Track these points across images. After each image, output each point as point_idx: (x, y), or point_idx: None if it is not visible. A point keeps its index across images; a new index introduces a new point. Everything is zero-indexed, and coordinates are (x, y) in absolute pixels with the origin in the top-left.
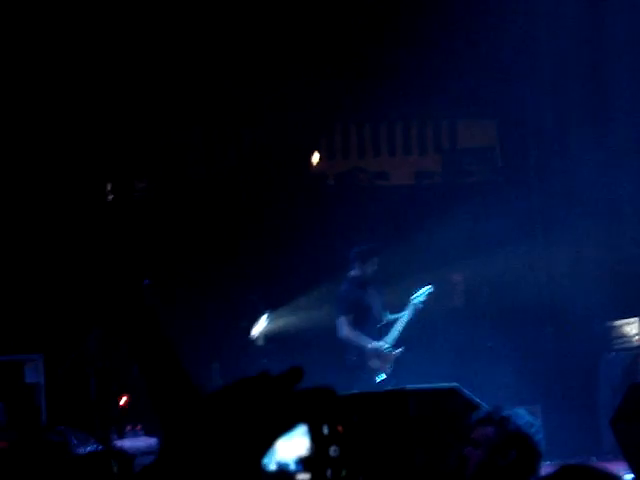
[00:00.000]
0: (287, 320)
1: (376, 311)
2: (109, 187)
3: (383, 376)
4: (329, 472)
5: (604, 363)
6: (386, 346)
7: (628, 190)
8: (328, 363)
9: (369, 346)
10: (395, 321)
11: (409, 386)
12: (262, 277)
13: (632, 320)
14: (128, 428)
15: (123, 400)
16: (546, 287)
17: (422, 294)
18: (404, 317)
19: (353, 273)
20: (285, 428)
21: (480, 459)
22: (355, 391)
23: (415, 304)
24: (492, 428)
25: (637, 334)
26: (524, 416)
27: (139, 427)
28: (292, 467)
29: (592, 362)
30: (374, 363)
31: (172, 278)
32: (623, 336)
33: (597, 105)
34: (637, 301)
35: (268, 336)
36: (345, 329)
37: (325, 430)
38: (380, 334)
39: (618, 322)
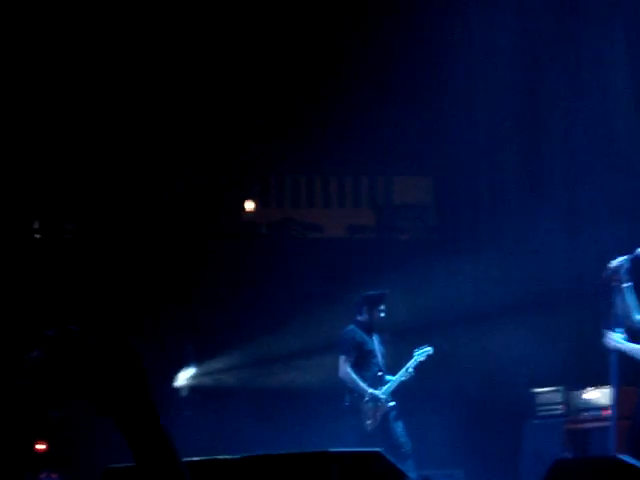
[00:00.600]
0: (214, 374)
1: (378, 358)
2: (37, 225)
3: (372, 424)
4: None
5: (528, 430)
6: (382, 396)
7: (560, 258)
8: (251, 416)
9: (368, 392)
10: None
11: (331, 449)
12: (193, 326)
13: (557, 388)
14: (43, 475)
15: (41, 446)
16: (477, 348)
17: (423, 352)
18: (404, 371)
19: (360, 318)
20: None
21: None
22: (346, 435)
23: (416, 360)
24: None
25: (561, 402)
26: None
27: (55, 475)
28: None
29: (516, 428)
30: (367, 411)
31: (100, 323)
32: (548, 404)
33: (531, 170)
34: (563, 370)
35: (193, 388)
36: (343, 369)
37: None
38: (379, 383)
39: (543, 389)
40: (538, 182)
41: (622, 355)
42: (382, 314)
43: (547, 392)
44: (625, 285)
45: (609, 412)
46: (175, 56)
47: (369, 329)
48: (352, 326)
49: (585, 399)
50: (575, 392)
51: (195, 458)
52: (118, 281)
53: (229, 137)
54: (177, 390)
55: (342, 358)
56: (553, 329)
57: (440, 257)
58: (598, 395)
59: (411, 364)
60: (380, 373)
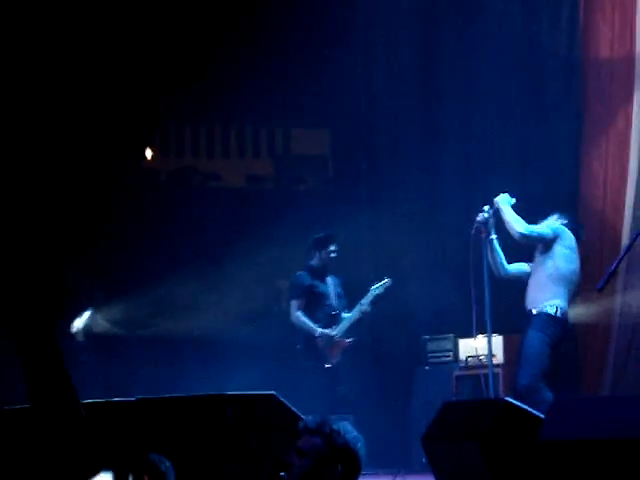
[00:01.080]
0: (111, 320)
1: (331, 300)
2: None
3: (329, 365)
4: None
5: (419, 376)
6: (335, 334)
7: (456, 208)
8: (150, 363)
9: (317, 332)
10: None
11: (227, 392)
12: (97, 273)
13: (447, 335)
14: None
15: None
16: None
17: (381, 286)
18: (358, 307)
19: (311, 262)
20: (89, 474)
21: (304, 470)
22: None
23: (372, 294)
24: (320, 439)
25: (451, 349)
26: (352, 431)
27: None
28: None
29: (407, 375)
30: (322, 351)
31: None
32: (438, 351)
33: (428, 122)
34: (454, 318)
35: (89, 333)
36: (293, 313)
37: (130, 479)
38: (333, 323)
39: (434, 336)
40: (435, 134)
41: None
42: (332, 254)
43: (437, 339)
44: (491, 237)
45: (498, 359)
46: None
47: (321, 272)
48: (302, 272)
49: (474, 346)
50: (464, 339)
51: (90, 400)
52: (21, 229)
53: (129, 85)
54: (73, 335)
55: (292, 303)
56: (445, 278)
57: (338, 207)
58: (486, 344)
59: (365, 299)
60: (334, 313)
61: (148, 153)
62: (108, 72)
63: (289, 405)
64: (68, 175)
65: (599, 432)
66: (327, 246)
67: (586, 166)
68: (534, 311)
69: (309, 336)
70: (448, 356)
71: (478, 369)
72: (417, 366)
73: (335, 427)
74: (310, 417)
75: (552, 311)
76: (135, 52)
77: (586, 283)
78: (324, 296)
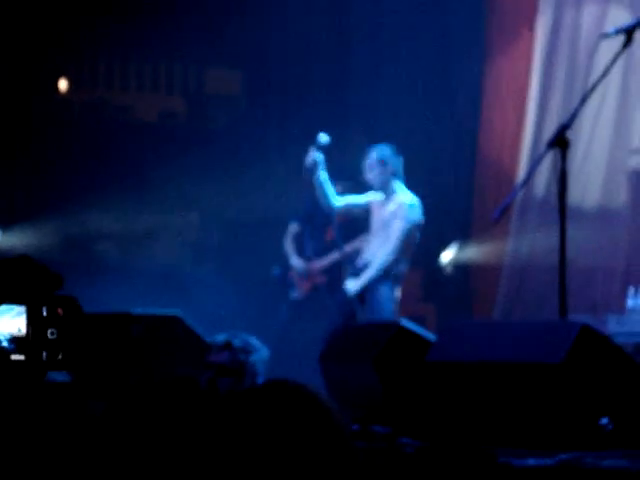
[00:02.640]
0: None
1: (327, 234)
2: None
3: (296, 295)
4: (44, 354)
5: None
6: (299, 266)
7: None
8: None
9: (290, 261)
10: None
11: (134, 310)
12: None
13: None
14: None
15: None
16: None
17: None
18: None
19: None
20: None
21: (210, 382)
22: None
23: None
24: (228, 354)
25: None
26: (258, 347)
27: None
28: (5, 346)
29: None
30: (293, 281)
31: None
32: None
33: (339, 63)
34: None
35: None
36: (286, 236)
37: (44, 312)
38: (325, 254)
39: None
40: (346, 73)
41: None
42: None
43: None
44: (319, 174)
45: None
46: None
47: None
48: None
49: None
50: None
51: None
52: None
53: (45, 14)
54: None
55: (289, 225)
56: None
57: (248, 146)
58: None
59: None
60: (326, 245)
61: (62, 84)
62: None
63: (193, 327)
64: None
65: (485, 355)
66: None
67: (485, 111)
68: None
69: (287, 264)
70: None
71: None
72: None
73: (240, 343)
74: (220, 335)
75: None
76: None
77: (483, 227)
78: (320, 226)
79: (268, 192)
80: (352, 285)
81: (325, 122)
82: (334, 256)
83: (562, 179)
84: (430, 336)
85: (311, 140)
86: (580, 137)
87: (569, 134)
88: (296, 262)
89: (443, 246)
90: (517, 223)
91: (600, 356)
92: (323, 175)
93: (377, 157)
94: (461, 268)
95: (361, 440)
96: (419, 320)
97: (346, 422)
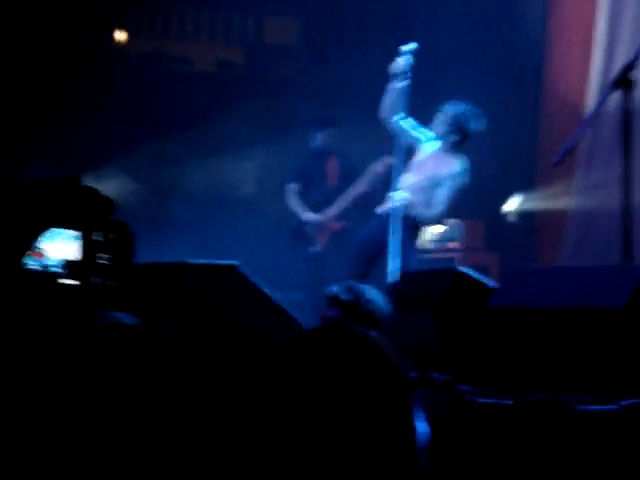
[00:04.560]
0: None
1: (328, 181)
2: None
3: (317, 248)
4: (97, 280)
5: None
6: (320, 217)
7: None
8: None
9: (303, 217)
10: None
11: (189, 260)
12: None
13: None
14: None
15: None
16: None
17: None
18: (351, 189)
19: (312, 144)
20: (45, 227)
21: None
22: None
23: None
24: (336, 309)
25: None
26: (374, 299)
27: None
28: (58, 270)
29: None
30: (310, 235)
31: None
32: None
33: (396, 13)
34: None
35: None
36: (288, 197)
37: (97, 237)
38: (328, 204)
39: None
40: (403, 22)
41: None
42: (332, 138)
43: None
44: (400, 84)
45: (456, 244)
46: None
47: (319, 154)
48: (304, 155)
49: (432, 231)
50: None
51: None
52: None
53: None
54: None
55: (288, 186)
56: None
57: (306, 98)
58: (445, 227)
59: (361, 180)
60: (327, 194)
61: (119, 35)
62: None
63: (251, 277)
64: (37, 53)
65: (547, 301)
66: (326, 127)
67: (550, 53)
68: None
69: (299, 220)
70: None
71: (437, 253)
72: None
73: (349, 296)
74: (335, 287)
75: None
76: None
77: (548, 174)
78: (320, 177)
79: None
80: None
81: (385, 74)
82: (348, 198)
83: (626, 120)
84: (491, 283)
85: (370, 90)
86: None
87: (635, 74)
88: (309, 216)
89: (507, 195)
90: (582, 169)
91: None
92: (404, 85)
93: (453, 115)
94: (525, 217)
95: (420, 387)
96: (483, 270)
97: (405, 369)
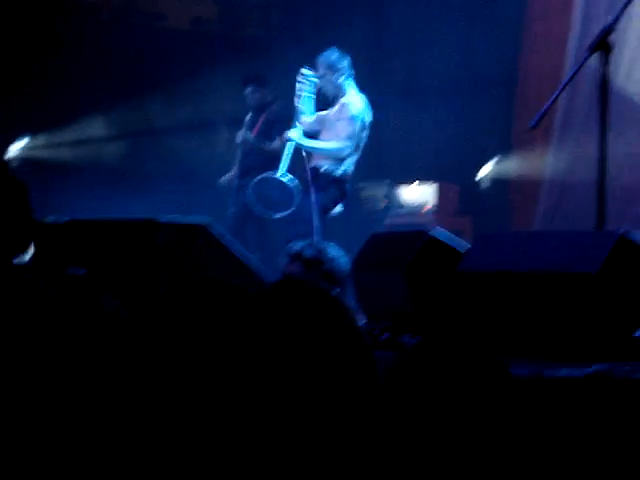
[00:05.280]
0: (52, 147)
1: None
2: None
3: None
4: None
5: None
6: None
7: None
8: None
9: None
10: None
11: (161, 217)
12: (35, 100)
13: (382, 182)
14: None
15: None
16: None
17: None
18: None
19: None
20: None
21: None
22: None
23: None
24: (298, 265)
25: (385, 197)
26: (335, 256)
27: None
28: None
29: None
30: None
31: None
32: (372, 198)
33: None
34: (388, 165)
35: (26, 159)
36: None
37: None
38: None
39: (368, 183)
40: None
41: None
42: (254, 94)
43: (372, 186)
44: (305, 92)
45: (429, 208)
46: None
47: (252, 111)
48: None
49: (407, 195)
50: (400, 187)
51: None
52: None
53: None
54: (9, 161)
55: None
56: (385, 124)
57: (280, 54)
58: (420, 191)
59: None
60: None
61: None
62: None
63: (222, 235)
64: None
65: (518, 265)
66: (248, 84)
67: (529, 19)
68: None
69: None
70: (382, 203)
71: (409, 217)
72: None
73: (312, 254)
74: (299, 244)
75: None
76: None
77: (524, 140)
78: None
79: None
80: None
81: (363, 38)
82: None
83: (603, 85)
84: (464, 246)
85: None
86: (628, 42)
87: (613, 37)
88: (221, 180)
89: (482, 160)
90: (558, 135)
91: (638, 267)
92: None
93: (325, 64)
94: (500, 182)
95: (390, 349)
96: (456, 233)
97: (375, 331)
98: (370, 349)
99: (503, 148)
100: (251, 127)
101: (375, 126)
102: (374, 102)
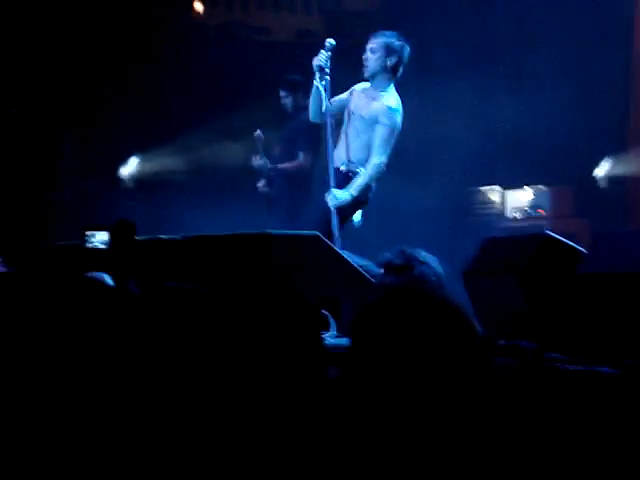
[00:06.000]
0: (161, 163)
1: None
2: None
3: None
4: None
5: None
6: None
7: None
8: (197, 205)
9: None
10: None
11: (273, 231)
12: (138, 120)
13: (494, 187)
14: None
15: None
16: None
17: None
18: None
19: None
20: None
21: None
22: None
23: None
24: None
25: (498, 201)
26: (425, 260)
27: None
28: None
29: (452, 226)
30: None
31: (44, 111)
32: (485, 202)
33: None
34: (500, 170)
35: (138, 179)
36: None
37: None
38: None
39: (481, 188)
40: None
41: None
42: (285, 99)
43: (484, 190)
44: (318, 82)
45: (543, 211)
46: None
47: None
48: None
49: (520, 199)
50: (511, 191)
51: (138, 237)
52: (60, 74)
53: None
54: (121, 180)
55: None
56: (492, 129)
57: None
58: (533, 195)
59: None
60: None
61: (197, 5)
62: None
63: (333, 245)
64: (112, 22)
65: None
66: (282, 89)
67: None
68: None
69: None
70: (495, 207)
71: (524, 221)
72: (463, 217)
73: (401, 260)
74: (387, 254)
75: None
76: None
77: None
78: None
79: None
80: (338, 196)
81: (469, 42)
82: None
83: None
84: (580, 249)
85: (452, 56)
86: None
87: None
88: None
89: (596, 160)
90: None
91: None
92: (324, 81)
93: (384, 42)
94: (616, 182)
95: (509, 356)
96: (572, 236)
97: (491, 337)
98: (490, 356)
99: (618, 147)
100: (277, 140)
101: (484, 130)
102: (484, 107)
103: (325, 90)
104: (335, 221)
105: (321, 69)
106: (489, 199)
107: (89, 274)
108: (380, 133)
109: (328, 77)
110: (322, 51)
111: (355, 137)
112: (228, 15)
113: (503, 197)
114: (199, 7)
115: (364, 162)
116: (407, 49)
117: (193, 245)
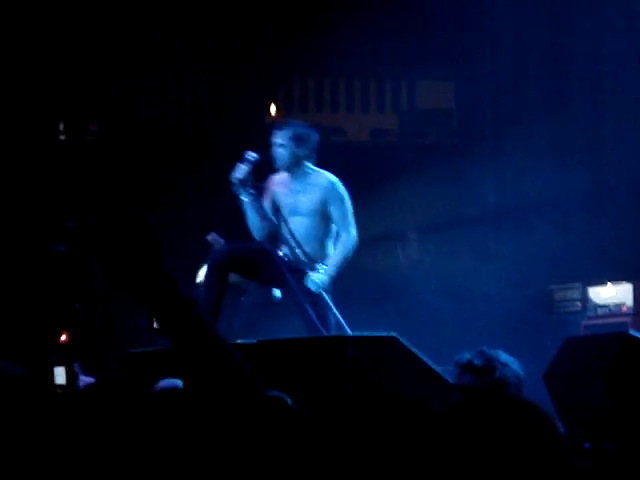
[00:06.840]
0: None
1: None
2: (61, 127)
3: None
4: None
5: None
6: None
7: (580, 161)
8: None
9: None
10: None
11: (349, 333)
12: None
13: (575, 284)
14: (76, 365)
15: (63, 337)
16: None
17: None
18: None
19: None
20: None
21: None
22: None
23: None
24: (470, 376)
25: (579, 299)
26: (506, 362)
27: (76, 364)
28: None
29: (534, 325)
30: None
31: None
32: (565, 300)
33: (556, 71)
34: (581, 266)
35: None
36: None
37: None
38: None
39: (561, 285)
40: (564, 87)
41: None
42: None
43: (565, 288)
44: (245, 199)
45: (626, 308)
46: None
47: None
48: None
49: (603, 295)
50: (593, 288)
51: None
52: (137, 181)
53: (253, 37)
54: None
55: None
56: (572, 226)
57: (463, 160)
58: (616, 291)
59: None
60: None
61: (272, 109)
62: (234, 26)
63: (411, 347)
64: (189, 127)
65: None
66: None
67: None
68: None
69: None
70: (576, 305)
71: (607, 318)
72: (544, 316)
73: (481, 362)
74: (467, 354)
75: None
76: (259, 6)
77: None
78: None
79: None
80: (317, 280)
81: (542, 134)
82: None
83: None
84: None
85: (526, 150)
86: None
87: None
88: None
89: None
90: None
91: None
92: (247, 197)
93: (292, 134)
94: None
95: (593, 459)
96: None
97: (576, 440)
98: (573, 461)
99: None
100: None
101: (563, 226)
102: (559, 196)
103: (255, 201)
104: (328, 300)
105: (242, 183)
106: (570, 296)
107: (163, 381)
108: (339, 210)
109: (252, 190)
110: (241, 165)
111: (306, 235)
112: (303, 117)
113: (584, 294)
114: (274, 110)
115: (325, 258)
116: (315, 135)
117: (268, 349)
